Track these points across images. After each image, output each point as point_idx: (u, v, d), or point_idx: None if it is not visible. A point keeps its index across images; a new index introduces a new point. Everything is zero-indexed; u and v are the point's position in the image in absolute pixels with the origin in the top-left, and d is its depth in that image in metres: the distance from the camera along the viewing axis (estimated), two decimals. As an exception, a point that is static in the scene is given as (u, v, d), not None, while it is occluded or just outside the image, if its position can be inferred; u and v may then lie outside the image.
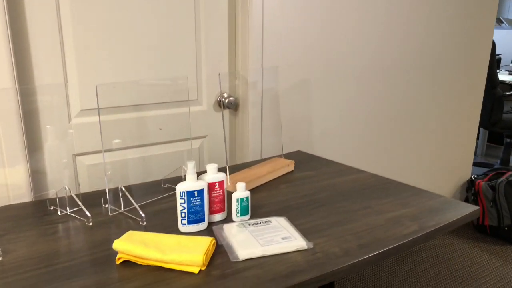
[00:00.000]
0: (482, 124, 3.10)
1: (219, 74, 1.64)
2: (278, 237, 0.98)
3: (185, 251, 0.90)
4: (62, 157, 1.42)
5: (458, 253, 2.33)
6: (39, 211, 1.16)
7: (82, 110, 1.42)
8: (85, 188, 1.47)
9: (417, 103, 2.26)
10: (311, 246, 0.97)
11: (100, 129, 1.28)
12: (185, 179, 1.03)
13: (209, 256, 0.92)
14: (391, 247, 0.98)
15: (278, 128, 1.78)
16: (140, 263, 0.91)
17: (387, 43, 2.03)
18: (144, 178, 1.52)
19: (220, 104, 1.68)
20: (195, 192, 1.02)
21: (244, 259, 0.92)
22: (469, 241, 2.45)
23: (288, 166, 1.47)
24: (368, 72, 2.01)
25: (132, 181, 1.47)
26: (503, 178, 2.41)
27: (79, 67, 1.39)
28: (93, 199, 1.25)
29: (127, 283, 0.84)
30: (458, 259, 2.27)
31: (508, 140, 3.27)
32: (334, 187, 1.34)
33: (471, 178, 2.64)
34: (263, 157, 1.77)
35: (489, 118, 3.03)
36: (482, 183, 2.48)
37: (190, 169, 1.02)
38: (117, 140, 1.44)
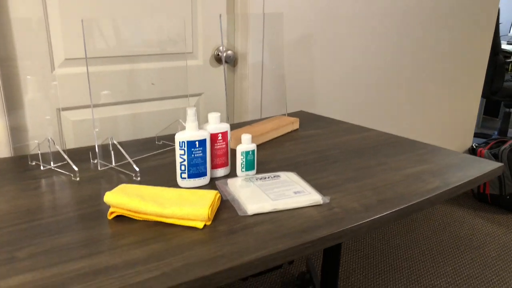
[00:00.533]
0: (483, 93, 3.02)
1: (220, 15, 1.50)
2: (290, 191, 0.88)
3: (188, 204, 0.79)
4: (45, 112, 1.29)
5: (459, 222, 2.27)
6: (19, 166, 1.04)
7: (66, 59, 1.29)
8: (70, 146, 1.35)
9: (422, 66, 2.16)
10: (327, 201, 0.87)
11: (88, 77, 1.16)
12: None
13: (214, 211, 0.82)
14: (414, 202, 0.89)
15: (279, 85, 1.67)
16: (135, 217, 0.80)
17: (395, 2, 1.91)
18: (135, 137, 1.40)
19: (218, 59, 1.56)
20: (196, 143, 0.91)
21: (253, 213, 0.82)
22: (470, 210, 2.40)
23: (293, 124, 1.36)
24: (374, 30, 1.89)
25: (123, 140, 1.34)
26: (506, 145, 2.34)
27: (63, 11, 1.25)
28: (79, 154, 1.13)
29: (121, 239, 0.73)
30: (459, 228, 2.21)
31: (507, 109, 3.20)
32: (344, 144, 1.24)
33: (472, 146, 2.57)
34: (263, 117, 1.66)
35: (490, 86, 2.95)
36: (484, 151, 2.41)
37: (191, 116, 0.91)
38: (105, 92, 1.31)
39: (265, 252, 0.70)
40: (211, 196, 0.83)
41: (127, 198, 0.79)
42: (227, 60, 1.55)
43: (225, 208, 0.85)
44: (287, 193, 0.87)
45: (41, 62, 1.25)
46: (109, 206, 0.81)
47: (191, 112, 0.91)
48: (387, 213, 0.84)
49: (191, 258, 0.68)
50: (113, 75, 1.36)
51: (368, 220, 0.81)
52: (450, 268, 1.88)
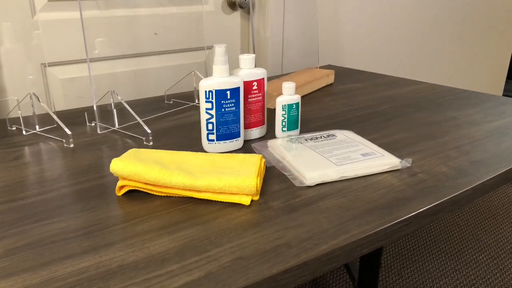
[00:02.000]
0: None
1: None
2: (356, 154, 0.66)
3: (227, 173, 0.57)
4: (26, 69, 1.04)
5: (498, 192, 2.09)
6: (-5, 131, 0.81)
7: (49, 1, 1.04)
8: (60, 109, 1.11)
9: (457, 12, 1.92)
10: (408, 164, 0.66)
11: (82, 21, 0.92)
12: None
13: (261, 181, 0.60)
14: (517, 163, 0.68)
15: (308, 31, 1.42)
16: (155, 193, 0.58)
17: None
18: (138, 97, 1.16)
19: (231, 3, 1.31)
20: (228, 93, 0.68)
21: (314, 184, 0.60)
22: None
23: (328, 76, 1.13)
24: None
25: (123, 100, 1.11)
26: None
27: None
28: (72, 117, 0.90)
29: (139, 223, 0.51)
30: (494, 197, 2.03)
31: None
32: (395, 98, 1.02)
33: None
34: (284, 73, 1.43)
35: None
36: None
37: (220, 56, 0.68)
38: (100, 39, 1.06)
39: (347, 237, 0.49)
40: (255, 161, 0.61)
41: (142, 166, 0.56)
42: (242, 5, 1.30)
43: (272, 177, 0.63)
44: (353, 156, 0.66)
45: (18, 5, 1.00)
46: (117, 178, 0.59)
47: (220, 50, 0.68)
48: (490, 177, 0.63)
49: (244, 250, 0.47)
50: (109, 22, 1.11)
51: (470, 187, 0.60)
52: (492, 241, 1.70)
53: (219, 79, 0.68)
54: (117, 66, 1.16)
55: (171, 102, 1.00)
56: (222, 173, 0.57)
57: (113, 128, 0.81)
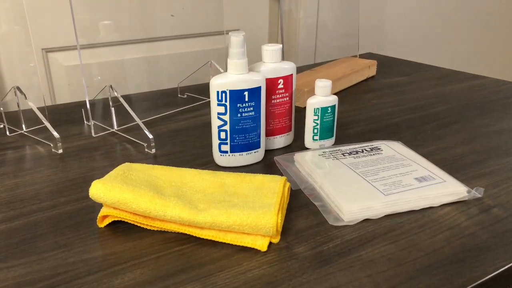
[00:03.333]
0: None
1: None
2: (409, 178, 0.51)
3: (238, 203, 0.43)
4: (25, 55, 0.93)
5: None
6: (-22, 130, 0.70)
7: (51, -22, 0.91)
8: (64, 102, 1.00)
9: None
10: (479, 195, 0.50)
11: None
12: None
13: (284, 214, 0.46)
14: None
15: (344, 16, 1.25)
16: (145, 226, 0.45)
17: None
18: (151, 89, 1.04)
19: (259, -17, 1.15)
20: (245, 94, 0.54)
21: (355, 221, 0.46)
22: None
23: (369, 68, 0.97)
24: None
25: (133, 91, 0.99)
26: None
27: None
28: (70, 113, 0.78)
29: (119, 274, 0.39)
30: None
31: None
32: (451, 97, 0.85)
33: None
34: (317, 62, 1.27)
35: None
36: None
37: (236, 47, 0.53)
38: (106, 22, 0.93)
39: (402, 313, 0.35)
40: (277, 187, 0.47)
41: (130, 192, 0.43)
42: (271, -16, 1.14)
43: (298, 207, 0.49)
44: (405, 180, 0.50)
45: (15, -18, 0.88)
46: (100, 205, 0.47)
47: (236, 40, 0.53)
48: None
49: (255, 329, 0.33)
50: (118, 3, 0.98)
51: None
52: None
53: (235, 76, 0.54)
54: (126, 52, 1.03)
55: (185, 96, 0.87)
56: (232, 205, 0.43)
57: (111, 130, 0.69)
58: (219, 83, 0.54)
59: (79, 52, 0.66)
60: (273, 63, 0.59)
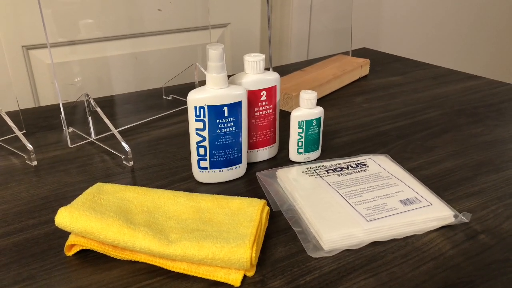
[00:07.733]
0: None
1: None
2: (394, 200, 0.49)
3: (212, 233, 0.41)
4: (4, 53, 0.90)
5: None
6: (-49, 138, 0.67)
7: (29, -28, 0.87)
8: (47, 103, 0.97)
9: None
10: (467, 219, 0.48)
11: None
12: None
13: (261, 243, 0.44)
14: None
15: (339, 8, 1.21)
16: (115, 256, 0.43)
17: None
18: (137, 87, 1.00)
19: (250, -25, 1.11)
20: (225, 109, 0.51)
21: (334, 251, 0.44)
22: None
23: (362, 68, 0.94)
24: None
25: (118, 91, 0.96)
26: None
27: None
28: (50, 117, 0.75)
29: (82, 314, 0.37)
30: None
31: None
32: (446, 100, 0.82)
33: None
34: (310, 58, 1.23)
35: None
36: None
37: (214, 60, 0.50)
38: (89, 21, 0.89)
39: None
40: (254, 214, 0.44)
41: (97, 221, 0.41)
42: (263, -24, 1.10)
43: (276, 232, 0.47)
44: (389, 203, 0.48)
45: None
46: (68, 232, 0.44)
47: (215, 54, 0.50)
48: None
49: None
50: (102, -3, 0.94)
51: (555, 265, 0.42)
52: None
53: (214, 91, 0.51)
54: (110, 49, 0.99)
55: (170, 98, 0.84)
56: (205, 235, 0.41)
57: (89, 139, 0.66)
58: (197, 99, 0.51)
59: (49, 50, 0.63)
60: (256, 75, 0.56)
